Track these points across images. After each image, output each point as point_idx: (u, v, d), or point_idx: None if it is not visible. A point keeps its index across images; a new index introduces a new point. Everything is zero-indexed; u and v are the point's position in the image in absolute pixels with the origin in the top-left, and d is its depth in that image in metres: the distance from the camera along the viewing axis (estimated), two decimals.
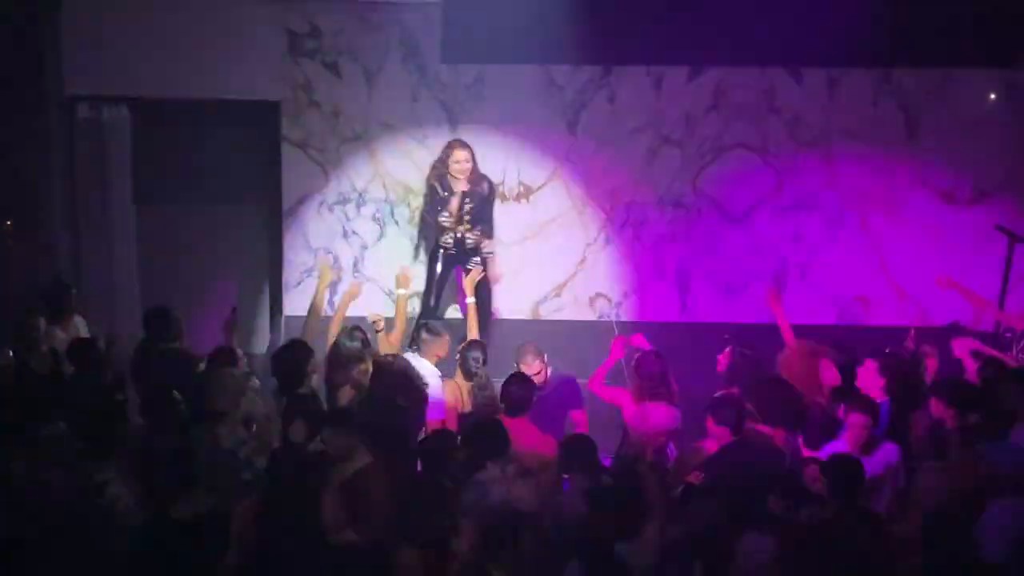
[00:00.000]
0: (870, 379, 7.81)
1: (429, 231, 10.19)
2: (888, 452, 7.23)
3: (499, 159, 10.59)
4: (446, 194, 9.72)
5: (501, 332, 9.73)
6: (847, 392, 7.77)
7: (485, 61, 10.41)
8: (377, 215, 10.71)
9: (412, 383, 7.40)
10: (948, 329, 10.22)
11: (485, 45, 10.28)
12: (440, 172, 9.78)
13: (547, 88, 10.53)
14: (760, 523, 6.02)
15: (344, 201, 10.68)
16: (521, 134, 10.59)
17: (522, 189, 10.70)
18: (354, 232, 10.72)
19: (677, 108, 10.53)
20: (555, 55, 10.30)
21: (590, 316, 10.81)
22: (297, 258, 10.73)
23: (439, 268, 9.86)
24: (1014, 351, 8.95)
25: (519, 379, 7.52)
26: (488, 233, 9.88)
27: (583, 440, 6.77)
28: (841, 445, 7.24)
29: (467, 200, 9.69)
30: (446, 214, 9.72)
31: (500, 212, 10.65)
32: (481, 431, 6.80)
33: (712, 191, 10.67)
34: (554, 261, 10.79)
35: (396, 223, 10.71)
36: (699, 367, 8.69)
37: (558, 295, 10.85)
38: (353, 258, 10.75)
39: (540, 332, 9.98)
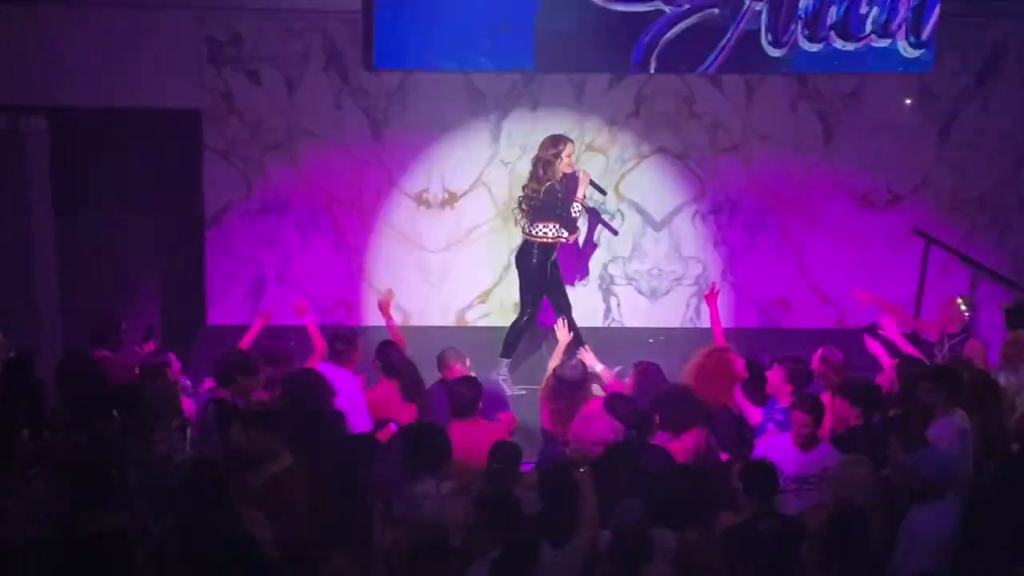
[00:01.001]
0: (778, 385, 7.95)
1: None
2: (825, 453, 7.30)
3: (423, 166, 10.62)
4: (563, 186, 9.59)
5: (426, 339, 9.72)
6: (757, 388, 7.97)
7: (407, 68, 10.41)
8: (301, 223, 10.66)
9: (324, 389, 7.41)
10: (867, 331, 10.44)
11: (408, 52, 10.27)
12: (553, 170, 9.56)
13: (470, 95, 10.56)
14: (682, 523, 6.11)
15: (267, 210, 10.63)
16: (445, 141, 10.60)
17: (447, 196, 10.72)
18: (278, 240, 10.67)
19: (598, 115, 10.61)
20: (477, 62, 10.33)
21: None
22: (220, 267, 10.66)
23: (537, 268, 9.73)
24: (937, 355, 9.14)
25: (467, 380, 7.59)
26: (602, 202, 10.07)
27: (509, 447, 6.84)
28: (783, 441, 7.36)
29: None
30: (576, 206, 9.64)
31: (425, 218, 10.71)
32: (420, 438, 6.78)
33: (634, 197, 10.76)
34: (479, 267, 10.83)
35: (320, 231, 10.68)
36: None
37: (484, 301, 10.88)
38: (277, 266, 10.70)
39: (466, 339, 10.02)
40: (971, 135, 10.86)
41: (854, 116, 10.75)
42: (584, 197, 9.68)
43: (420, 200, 10.70)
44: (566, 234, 9.64)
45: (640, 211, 10.79)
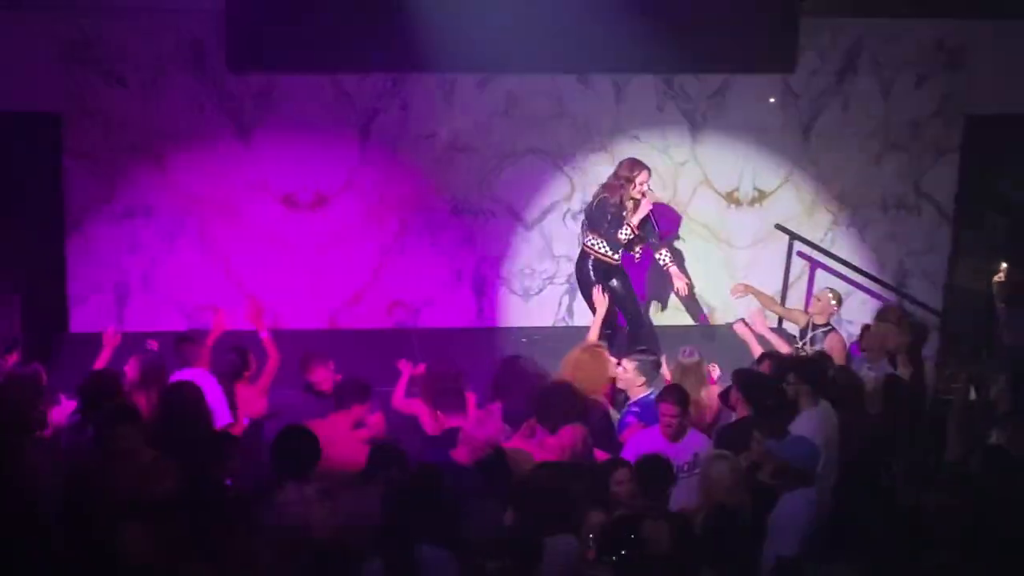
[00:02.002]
0: (630, 378, 8.06)
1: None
2: (695, 440, 7.42)
3: (292, 168, 10.48)
4: (624, 212, 9.57)
5: (299, 342, 9.60)
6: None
7: (272, 70, 10.26)
8: (166, 227, 10.45)
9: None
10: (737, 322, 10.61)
11: (273, 54, 10.13)
12: (620, 189, 9.59)
13: (337, 96, 10.45)
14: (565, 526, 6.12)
15: (131, 214, 10.39)
16: (313, 142, 10.47)
17: (316, 197, 10.60)
18: (142, 245, 10.44)
19: (469, 115, 10.59)
20: (345, 64, 10.22)
21: (388, 324, 10.80)
22: (82, 274, 10.39)
23: (616, 283, 9.73)
24: (801, 346, 9.33)
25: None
26: (661, 245, 9.85)
27: (389, 447, 6.79)
28: (653, 433, 7.42)
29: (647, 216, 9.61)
30: (626, 230, 9.57)
31: (294, 221, 10.58)
32: (285, 443, 6.68)
33: (505, 197, 10.78)
34: (350, 269, 10.73)
35: (185, 235, 10.47)
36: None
37: (355, 303, 10.79)
38: (142, 271, 10.47)
39: (338, 341, 9.95)
40: (832, 132, 11.10)
41: (719, 115, 10.91)
42: (637, 225, 9.59)
43: (289, 202, 10.56)
44: (611, 253, 9.63)
45: (511, 211, 10.81)
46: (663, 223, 10.26)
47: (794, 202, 11.18)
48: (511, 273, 10.94)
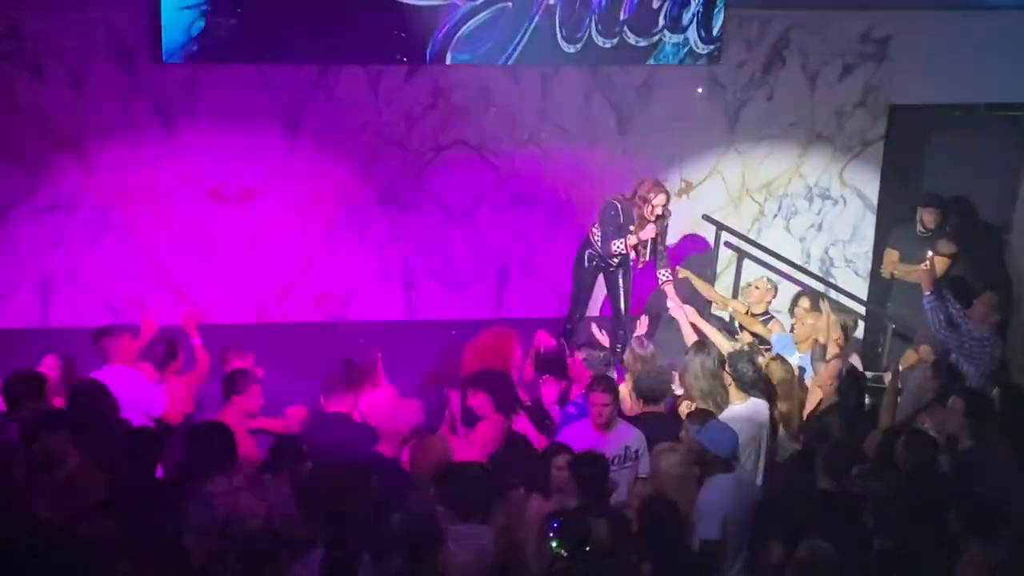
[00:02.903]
0: (580, 370, 8.11)
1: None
2: (625, 431, 7.48)
3: (216, 161, 10.40)
4: (624, 225, 9.58)
5: (226, 337, 9.52)
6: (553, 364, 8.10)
7: (197, 61, 10.16)
8: (90, 221, 10.32)
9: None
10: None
11: (198, 44, 10.03)
12: (632, 206, 9.59)
13: (263, 88, 10.36)
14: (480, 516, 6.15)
15: (54, 208, 10.25)
16: (239, 135, 10.38)
17: (243, 191, 10.53)
18: (66, 240, 10.30)
19: (396, 107, 10.56)
20: (270, 54, 10.15)
21: (317, 317, 10.75)
22: (4, 269, 10.24)
23: (588, 274, 9.89)
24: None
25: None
26: (666, 264, 9.78)
27: (291, 440, 6.78)
28: (583, 426, 7.45)
29: (651, 239, 9.59)
30: (620, 244, 9.58)
31: (221, 214, 10.49)
32: (201, 436, 6.64)
33: (433, 189, 10.76)
34: (278, 262, 10.67)
35: (110, 229, 10.36)
36: (425, 365, 8.80)
37: (283, 297, 10.73)
38: (66, 266, 10.34)
39: (266, 335, 9.90)
40: (758, 124, 11.20)
41: (646, 106, 10.95)
42: (633, 245, 9.61)
43: (215, 195, 10.48)
44: (602, 252, 9.72)
45: (440, 203, 10.79)
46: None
47: (721, 193, 11.27)
48: (439, 266, 10.92)
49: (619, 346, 9.53)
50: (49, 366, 8.01)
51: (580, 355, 8.20)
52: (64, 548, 5.72)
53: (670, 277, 9.77)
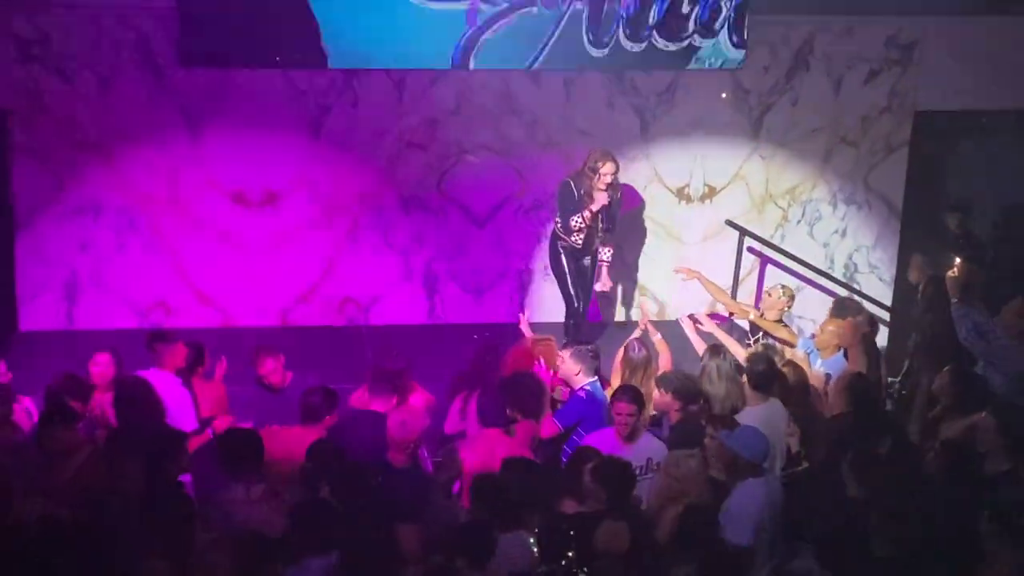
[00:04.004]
0: (569, 367, 8.11)
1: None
2: (650, 443, 7.45)
3: (242, 164, 10.46)
4: (581, 200, 9.66)
5: (250, 340, 9.58)
6: None
7: (223, 65, 10.23)
8: (116, 224, 10.40)
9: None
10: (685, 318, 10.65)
11: (224, 49, 10.09)
12: (583, 178, 9.68)
13: (289, 93, 10.43)
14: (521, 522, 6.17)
15: (81, 210, 10.34)
16: (263, 139, 10.44)
17: (267, 195, 10.58)
18: (92, 242, 10.39)
19: (420, 112, 10.59)
20: (296, 59, 10.20)
21: (339, 321, 10.79)
22: (31, 271, 10.34)
23: (566, 265, 9.90)
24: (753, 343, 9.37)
25: (325, 390, 7.50)
26: (609, 240, 9.86)
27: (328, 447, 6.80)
28: (607, 435, 7.44)
29: (604, 208, 9.65)
30: (579, 218, 9.65)
31: (245, 218, 10.55)
32: (231, 443, 6.68)
33: (456, 193, 10.78)
34: (301, 266, 10.72)
35: (136, 232, 10.44)
36: (448, 369, 8.82)
37: (306, 301, 10.78)
38: (92, 269, 10.42)
39: (289, 338, 9.94)
40: (782, 130, 11.17)
41: (670, 111, 10.95)
42: (591, 216, 9.65)
43: (239, 199, 10.54)
44: (570, 236, 9.75)
45: (462, 207, 10.81)
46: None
47: (745, 198, 11.25)
48: (462, 270, 10.95)
49: (565, 339, 9.55)
50: (102, 363, 8.06)
51: (567, 351, 8.20)
52: (84, 543, 5.75)
53: (609, 258, 9.92)
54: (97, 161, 10.28)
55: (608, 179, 9.64)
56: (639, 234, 11.15)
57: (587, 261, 9.95)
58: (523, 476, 6.55)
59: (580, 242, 9.80)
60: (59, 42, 10.03)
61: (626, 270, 11.12)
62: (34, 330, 10.28)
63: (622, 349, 8.37)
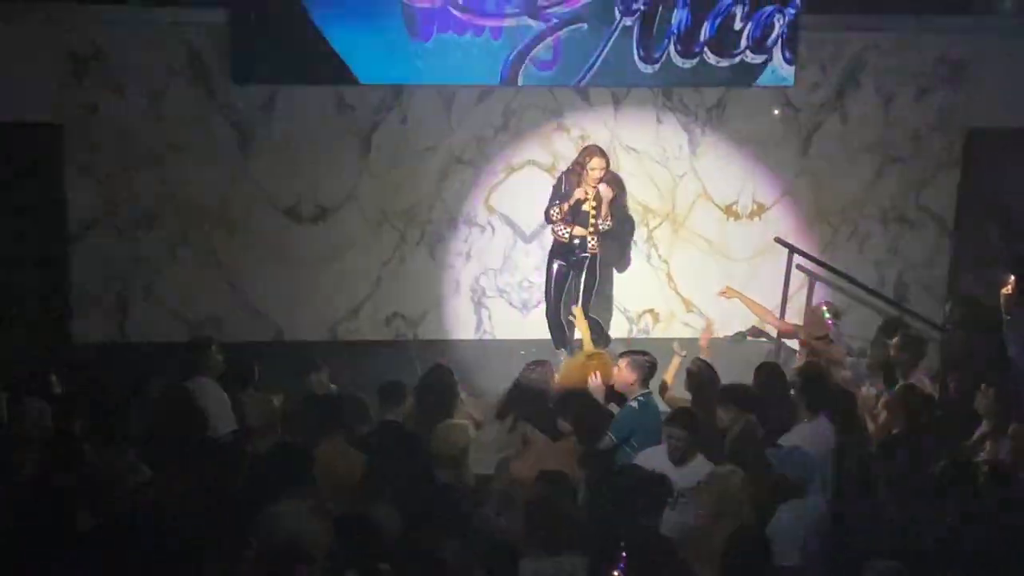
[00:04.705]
0: (624, 376, 8.07)
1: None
2: (702, 465, 7.32)
3: (293, 180, 10.55)
4: (566, 194, 9.77)
5: (299, 354, 9.65)
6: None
7: (275, 82, 10.34)
8: (168, 238, 10.52)
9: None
10: (733, 340, 10.64)
11: (275, 65, 10.21)
12: (572, 173, 9.82)
13: (339, 108, 10.51)
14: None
15: (133, 225, 10.47)
16: (315, 155, 10.54)
17: (318, 210, 10.66)
18: (144, 256, 10.51)
19: (468, 128, 10.64)
20: (346, 75, 10.30)
21: (388, 336, 10.84)
22: (85, 285, 10.46)
23: (555, 266, 10.00)
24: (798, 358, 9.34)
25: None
26: (596, 235, 9.88)
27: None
28: (658, 455, 7.40)
29: (593, 203, 9.74)
30: (556, 210, 9.79)
31: (296, 233, 10.63)
32: (280, 457, 6.72)
33: (504, 209, 10.82)
34: (350, 282, 10.79)
35: (188, 246, 10.54)
36: (496, 385, 8.84)
37: (355, 316, 10.84)
38: (144, 283, 10.54)
39: (338, 353, 9.99)
40: (832, 146, 11.12)
41: (718, 128, 10.94)
42: (567, 208, 9.74)
43: (291, 214, 10.63)
44: (559, 232, 9.86)
45: (510, 224, 10.85)
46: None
47: (794, 215, 11.20)
48: (510, 286, 10.97)
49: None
50: None
51: (623, 360, 8.17)
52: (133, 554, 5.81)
53: (590, 256, 9.88)
54: (150, 176, 10.40)
55: (597, 174, 9.70)
56: (686, 250, 11.12)
57: (557, 264, 9.96)
58: (559, 491, 6.51)
59: (565, 235, 9.83)
60: (113, 58, 10.17)
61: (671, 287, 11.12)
62: (88, 342, 10.39)
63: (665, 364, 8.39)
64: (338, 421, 7.38)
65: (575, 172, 9.82)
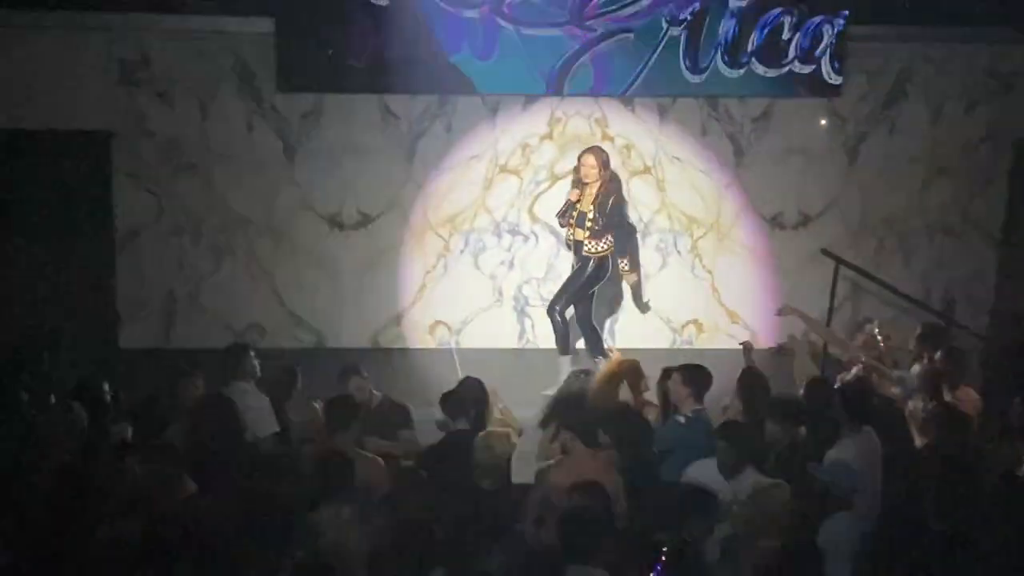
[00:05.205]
0: (678, 389, 8.01)
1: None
2: (752, 475, 7.27)
3: (336, 188, 10.59)
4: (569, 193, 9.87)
5: (340, 361, 9.67)
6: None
7: (321, 90, 10.39)
8: (214, 246, 10.58)
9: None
10: (776, 352, 10.58)
11: (321, 74, 10.26)
12: (575, 174, 9.90)
13: (384, 117, 10.55)
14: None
15: (179, 232, 10.54)
16: (358, 163, 10.58)
17: (361, 218, 10.69)
18: (190, 263, 10.57)
19: (512, 136, 10.64)
20: (391, 85, 10.33)
21: (430, 344, 10.86)
22: (131, 291, 10.54)
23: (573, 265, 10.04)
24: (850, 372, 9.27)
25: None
26: (599, 235, 9.79)
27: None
28: (710, 464, 7.37)
29: (590, 205, 9.75)
30: (562, 207, 9.91)
31: (339, 240, 10.67)
32: (323, 465, 6.73)
33: (548, 218, 10.80)
34: (393, 289, 10.81)
35: (233, 253, 10.60)
36: (539, 394, 8.83)
37: (398, 324, 10.86)
38: (189, 289, 10.60)
39: (380, 361, 10.02)
40: (879, 157, 11.03)
41: (764, 138, 10.88)
42: (567, 204, 9.81)
43: (334, 222, 10.67)
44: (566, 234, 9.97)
45: (554, 232, 10.81)
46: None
47: (840, 227, 11.12)
48: (553, 294, 10.93)
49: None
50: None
51: (679, 373, 8.11)
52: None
53: (601, 250, 9.79)
54: (196, 183, 10.48)
55: (588, 171, 9.72)
56: (731, 261, 11.06)
57: (581, 261, 9.92)
58: (594, 502, 6.47)
59: (569, 238, 9.88)
60: (161, 66, 10.27)
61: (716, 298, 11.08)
62: (134, 348, 10.47)
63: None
64: (358, 422, 7.44)
65: (575, 173, 9.86)
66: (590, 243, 9.80)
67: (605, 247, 9.81)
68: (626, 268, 10.05)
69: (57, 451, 7.10)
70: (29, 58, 10.07)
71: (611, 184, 9.83)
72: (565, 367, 9.58)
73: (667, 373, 8.27)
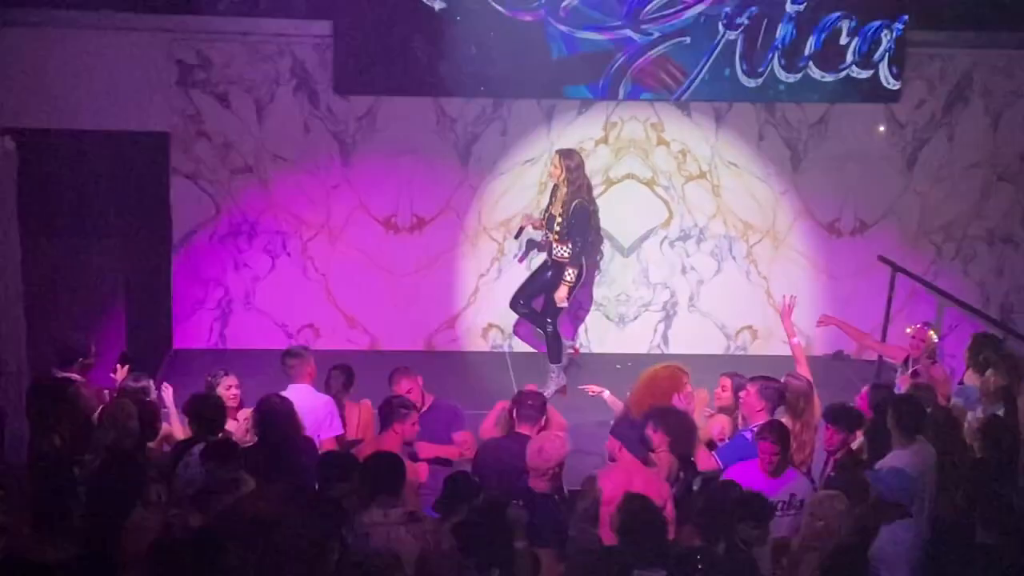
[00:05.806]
0: (751, 402, 7.94)
1: None
2: (793, 479, 7.29)
3: (391, 191, 10.62)
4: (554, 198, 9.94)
5: (394, 364, 9.68)
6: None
7: (377, 93, 10.43)
8: (269, 247, 10.65)
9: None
10: (832, 358, 10.49)
11: (377, 77, 10.29)
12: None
13: (439, 120, 10.57)
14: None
15: (235, 233, 10.61)
16: (413, 166, 10.60)
17: (415, 220, 10.72)
18: (245, 264, 10.64)
19: (567, 140, 10.61)
20: (447, 87, 10.35)
21: (483, 347, 10.86)
22: (187, 290, 10.63)
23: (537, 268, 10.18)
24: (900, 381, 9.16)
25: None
26: (563, 238, 9.77)
27: (465, 478, 6.80)
28: (751, 468, 7.33)
29: (557, 207, 9.80)
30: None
31: (393, 243, 10.70)
32: (374, 467, 6.73)
33: (602, 222, 10.74)
34: (447, 292, 10.83)
35: (288, 255, 10.66)
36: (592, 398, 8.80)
37: (451, 326, 10.87)
38: (244, 290, 10.68)
39: (434, 364, 10.01)
40: (937, 165, 10.94)
41: (821, 144, 10.81)
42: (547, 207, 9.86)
43: (388, 224, 10.70)
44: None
45: (608, 237, 10.80)
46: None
47: (897, 234, 11.03)
48: (606, 299, 10.93)
49: None
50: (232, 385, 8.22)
51: (754, 386, 8.03)
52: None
53: (564, 256, 9.73)
54: (252, 184, 10.54)
55: (551, 171, 9.82)
56: (786, 267, 10.99)
57: (546, 261, 9.98)
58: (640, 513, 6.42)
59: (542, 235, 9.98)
60: (219, 68, 10.34)
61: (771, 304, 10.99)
62: (189, 348, 10.55)
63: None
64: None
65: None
66: (558, 247, 9.80)
67: (567, 252, 9.76)
68: (565, 256, 9.81)
69: (117, 442, 7.11)
70: (88, 60, 10.16)
71: (577, 190, 9.72)
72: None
73: (740, 382, 8.17)
